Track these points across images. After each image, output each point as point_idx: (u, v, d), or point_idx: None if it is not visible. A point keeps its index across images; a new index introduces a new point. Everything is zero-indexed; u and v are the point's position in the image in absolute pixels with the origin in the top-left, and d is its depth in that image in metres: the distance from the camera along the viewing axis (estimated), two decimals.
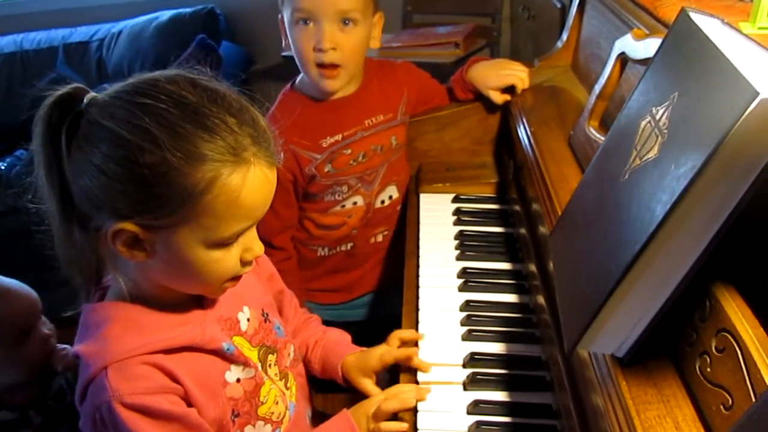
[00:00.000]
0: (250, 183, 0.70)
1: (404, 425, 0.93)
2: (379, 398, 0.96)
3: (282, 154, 0.76)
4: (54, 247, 0.76)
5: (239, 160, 0.70)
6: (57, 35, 2.64)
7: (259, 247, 0.77)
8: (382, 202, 1.42)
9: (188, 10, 2.53)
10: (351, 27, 1.22)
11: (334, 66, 1.24)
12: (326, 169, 1.33)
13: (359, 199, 1.39)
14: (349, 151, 1.34)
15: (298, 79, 1.35)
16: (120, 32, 2.58)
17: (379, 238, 1.46)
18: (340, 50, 1.23)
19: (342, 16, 1.21)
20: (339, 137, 1.32)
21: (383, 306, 1.51)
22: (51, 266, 0.77)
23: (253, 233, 0.76)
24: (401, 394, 0.96)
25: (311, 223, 1.40)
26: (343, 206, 1.38)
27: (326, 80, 1.26)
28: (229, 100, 0.72)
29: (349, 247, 1.43)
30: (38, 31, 2.66)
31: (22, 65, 2.60)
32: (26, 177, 0.75)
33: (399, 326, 1.10)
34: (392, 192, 1.44)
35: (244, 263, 0.77)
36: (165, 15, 2.55)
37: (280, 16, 1.27)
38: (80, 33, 2.64)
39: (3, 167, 2.34)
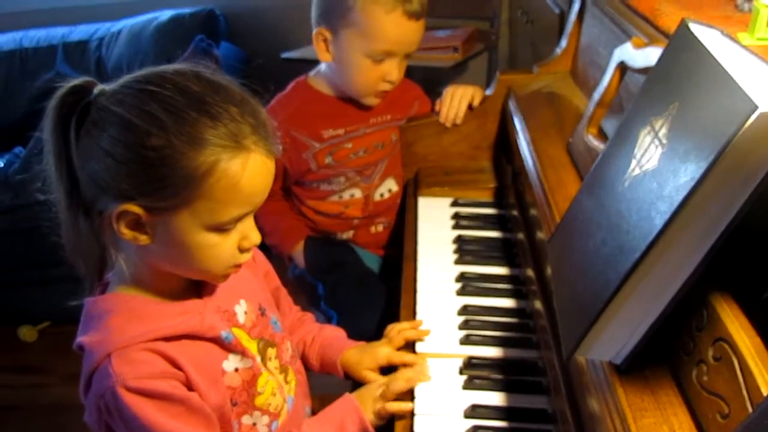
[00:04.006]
0: (250, 169, 0.74)
1: (409, 405, 0.95)
2: (384, 380, 1.00)
3: (280, 146, 0.79)
4: (60, 235, 0.78)
5: (240, 146, 0.73)
6: (56, 34, 2.63)
7: (256, 236, 0.80)
8: (381, 195, 1.49)
9: (188, 10, 2.53)
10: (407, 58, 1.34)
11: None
12: (326, 161, 1.40)
13: (357, 192, 1.46)
14: (350, 146, 1.41)
15: (314, 72, 1.42)
16: (120, 31, 2.57)
17: (380, 228, 1.52)
18: (399, 78, 1.34)
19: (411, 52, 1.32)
20: (342, 131, 1.40)
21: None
22: (49, 263, 0.78)
23: (251, 221, 0.79)
24: (406, 374, 0.99)
25: (310, 210, 1.47)
26: (341, 196, 1.45)
27: (377, 99, 1.38)
28: (232, 92, 0.76)
29: (350, 235, 1.50)
30: (38, 29, 2.65)
31: (21, 63, 2.59)
32: (31, 170, 0.79)
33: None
34: (391, 185, 1.50)
35: (242, 251, 0.80)
36: (165, 15, 2.54)
37: (317, 31, 1.32)
38: (80, 32, 2.63)
39: (1, 165, 2.33)
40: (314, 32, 1.32)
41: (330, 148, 1.40)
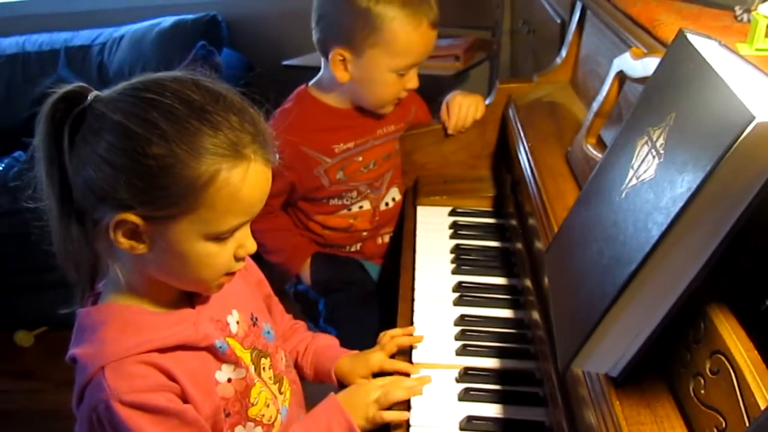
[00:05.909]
0: (250, 179, 0.73)
1: (407, 414, 0.94)
2: (379, 384, 0.98)
3: (278, 155, 0.78)
4: (51, 243, 0.77)
5: (240, 155, 0.72)
6: (59, 38, 2.63)
7: (251, 244, 0.79)
8: (386, 204, 1.49)
9: (190, 16, 2.54)
10: None
11: None
12: (338, 176, 1.39)
13: (366, 204, 1.45)
14: (361, 159, 1.41)
15: (314, 82, 1.40)
16: (122, 37, 2.58)
17: (386, 238, 1.51)
18: (416, 85, 1.36)
19: None
20: (351, 144, 1.39)
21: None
22: (46, 268, 0.77)
23: (247, 230, 0.79)
24: (407, 382, 0.98)
25: (317, 225, 1.45)
26: (350, 209, 1.44)
27: (392, 107, 1.38)
28: (231, 100, 0.75)
29: (359, 247, 1.49)
30: (41, 33, 2.66)
31: (24, 67, 2.59)
32: (23, 177, 0.77)
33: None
34: (395, 194, 1.51)
35: (237, 259, 0.79)
36: (167, 21, 2.55)
37: (334, 52, 1.28)
38: (82, 36, 2.63)
39: (0, 169, 2.33)
40: (331, 53, 1.28)
41: (342, 162, 1.38)
